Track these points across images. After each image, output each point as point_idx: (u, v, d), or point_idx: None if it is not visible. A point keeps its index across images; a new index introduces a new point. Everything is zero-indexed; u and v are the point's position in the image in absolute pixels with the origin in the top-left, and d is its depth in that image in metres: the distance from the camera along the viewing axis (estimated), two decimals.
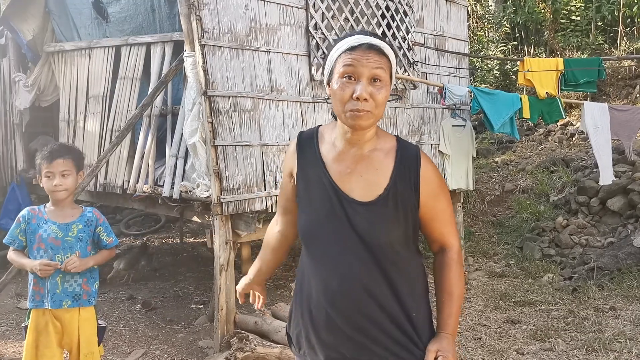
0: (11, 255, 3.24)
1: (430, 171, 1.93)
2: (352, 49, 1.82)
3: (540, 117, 7.17)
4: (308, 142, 2.03)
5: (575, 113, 10.85)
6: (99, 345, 3.33)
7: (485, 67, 12.51)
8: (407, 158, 1.91)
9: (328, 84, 1.91)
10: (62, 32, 6.91)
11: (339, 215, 1.89)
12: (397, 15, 6.29)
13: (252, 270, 2.40)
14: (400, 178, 1.89)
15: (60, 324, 3.19)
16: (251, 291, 2.48)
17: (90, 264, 3.23)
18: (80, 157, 3.29)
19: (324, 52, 5.54)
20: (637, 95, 10.79)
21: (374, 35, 1.88)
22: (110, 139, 5.92)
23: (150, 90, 5.47)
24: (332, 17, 5.65)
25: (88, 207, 3.35)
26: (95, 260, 3.27)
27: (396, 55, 1.87)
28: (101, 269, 6.57)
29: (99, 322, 3.37)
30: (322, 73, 1.97)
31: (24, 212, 3.24)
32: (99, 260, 3.31)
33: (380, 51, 1.82)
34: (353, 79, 1.80)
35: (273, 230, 2.29)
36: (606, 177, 6.99)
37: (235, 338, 4.54)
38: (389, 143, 1.95)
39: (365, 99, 1.78)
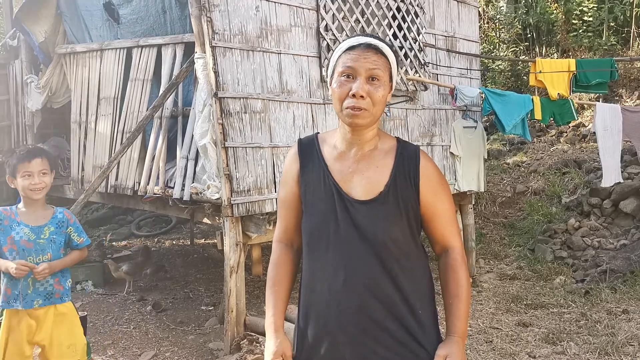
0: None
1: (430, 169, 1.96)
2: (351, 48, 1.89)
3: (552, 119, 7.13)
4: (309, 145, 2.05)
5: (587, 114, 10.78)
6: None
7: (497, 68, 12.45)
8: (407, 156, 1.95)
9: (330, 84, 1.95)
10: (74, 33, 6.94)
11: (341, 216, 1.91)
12: (407, 17, 6.27)
13: (273, 319, 2.02)
14: (399, 175, 1.92)
15: (35, 322, 3.22)
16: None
17: (59, 268, 3.24)
18: (53, 159, 3.34)
19: None
20: None
21: (375, 36, 1.94)
22: (121, 140, 5.94)
23: (161, 91, 5.48)
24: (343, 18, 5.63)
25: (59, 208, 3.35)
26: (63, 263, 3.27)
27: (397, 56, 1.89)
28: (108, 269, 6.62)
29: (80, 313, 3.44)
30: (327, 75, 2.01)
31: None
32: (68, 263, 3.31)
33: (378, 50, 1.87)
34: (351, 77, 1.86)
35: (288, 256, 2.12)
36: (608, 179, 6.92)
37: (245, 340, 4.55)
38: (389, 143, 2.00)
39: (362, 96, 1.83)
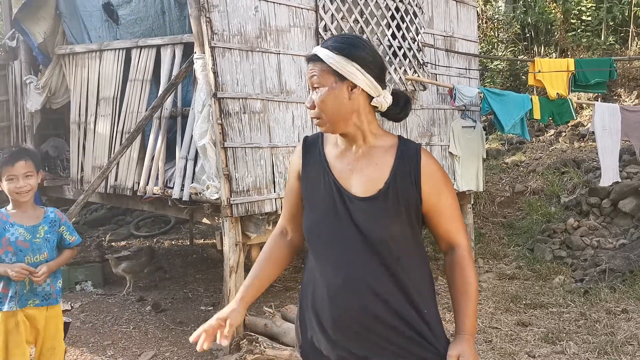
0: None
1: (432, 167, 1.94)
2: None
3: (551, 118, 7.14)
4: (313, 144, 2.08)
5: (586, 114, 10.79)
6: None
7: (495, 68, 12.46)
8: (408, 154, 1.93)
9: None
10: (73, 34, 6.94)
11: (341, 213, 1.92)
12: (406, 17, 6.28)
13: (242, 292, 2.12)
14: (400, 173, 1.91)
15: (29, 322, 3.24)
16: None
17: (55, 268, 3.28)
18: (38, 159, 3.37)
19: None
20: None
21: (325, 42, 1.97)
22: (121, 141, 5.94)
23: (160, 92, 5.48)
24: (342, 18, 5.64)
25: (50, 208, 3.39)
26: (58, 263, 3.31)
27: (342, 50, 1.88)
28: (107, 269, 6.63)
29: (64, 318, 3.47)
30: None
31: None
32: (62, 262, 3.37)
33: (316, 58, 1.91)
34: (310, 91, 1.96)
35: (278, 241, 2.20)
36: (607, 178, 6.92)
37: (245, 340, 4.54)
38: (390, 141, 1.99)
39: (310, 107, 1.92)
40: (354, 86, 1.89)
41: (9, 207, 3.25)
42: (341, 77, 1.88)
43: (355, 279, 1.88)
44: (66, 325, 3.47)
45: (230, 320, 2.03)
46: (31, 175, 3.19)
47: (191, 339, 2.01)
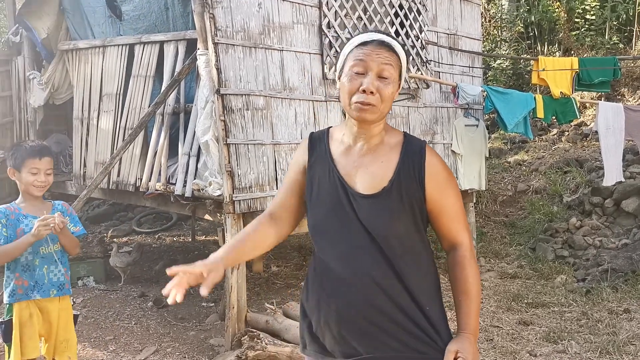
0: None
1: (436, 165, 1.94)
2: (364, 44, 1.90)
3: (554, 117, 7.12)
4: (319, 140, 2.08)
5: (590, 113, 10.77)
6: None
7: (499, 67, 12.44)
8: (412, 152, 1.94)
9: (339, 78, 1.96)
10: (77, 30, 6.94)
11: (346, 209, 1.92)
12: (410, 14, 6.26)
13: (226, 252, 1.98)
14: (404, 171, 1.91)
15: (42, 315, 3.27)
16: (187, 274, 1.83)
17: (67, 235, 3.25)
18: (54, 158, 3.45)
19: (336, 50, 5.53)
20: None
21: (388, 33, 1.96)
22: (124, 137, 5.94)
23: (163, 88, 5.47)
24: (345, 15, 5.63)
25: (57, 201, 3.45)
26: (70, 236, 3.28)
27: (408, 55, 1.92)
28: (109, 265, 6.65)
29: (73, 311, 3.49)
30: (336, 69, 2.01)
31: (0, 208, 3.26)
32: (73, 240, 3.32)
33: (390, 48, 1.90)
34: (362, 72, 1.87)
35: (266, 222, 2.10)
36: (610, 178, 6.92)
37: (246, 336, 4.55)
38: (395, 138, 1.99)
39: (371, 92, 1.84)
40: (400, 87, 1.97)
41: (18, 200, 3.31)
42: (400, 77, 1.95)
43: (361, 273, 1.88)
44: (75, 317, 3.50)
45: (212, 275, 1.83)
46: (50, 173, 3.28)
47: (167, 288, 1.78)
